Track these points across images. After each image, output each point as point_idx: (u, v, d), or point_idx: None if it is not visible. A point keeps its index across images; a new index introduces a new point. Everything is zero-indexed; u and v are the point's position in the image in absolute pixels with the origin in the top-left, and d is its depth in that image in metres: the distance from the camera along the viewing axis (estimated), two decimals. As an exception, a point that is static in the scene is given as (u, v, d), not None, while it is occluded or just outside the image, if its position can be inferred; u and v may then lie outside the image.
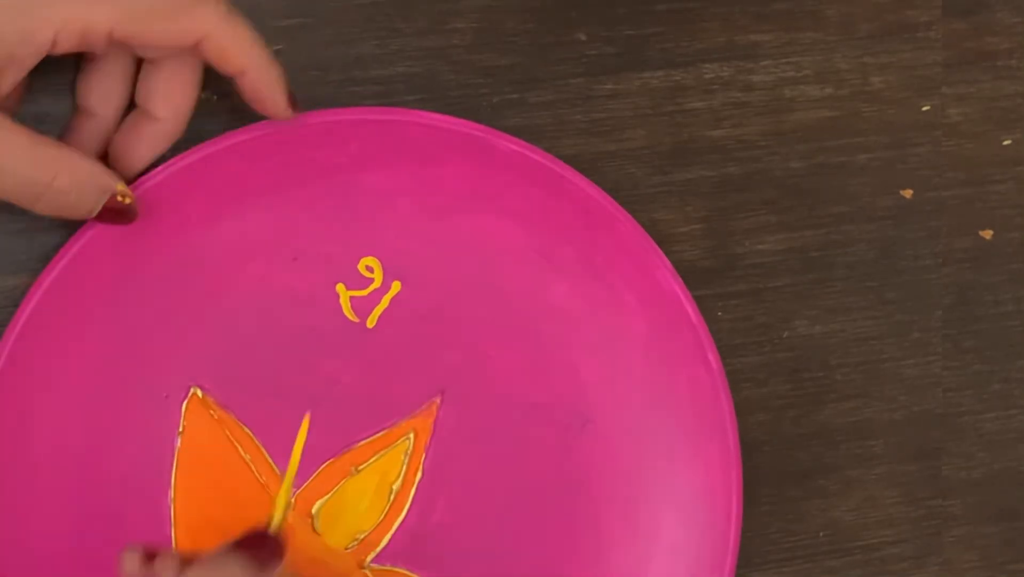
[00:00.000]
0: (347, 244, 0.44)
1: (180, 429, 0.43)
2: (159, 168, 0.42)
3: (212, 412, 0.43)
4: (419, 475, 0.44)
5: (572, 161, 0.46)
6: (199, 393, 0.43)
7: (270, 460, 0.43)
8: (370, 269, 0.44)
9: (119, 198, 0.40)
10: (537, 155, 0.44)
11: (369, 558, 0.44)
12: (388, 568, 0.44)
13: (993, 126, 0.49)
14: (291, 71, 0.44)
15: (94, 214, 0.40)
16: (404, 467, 0.44)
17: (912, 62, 0.48)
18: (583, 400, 0.45)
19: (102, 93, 0.41)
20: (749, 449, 0.48)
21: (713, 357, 0.44)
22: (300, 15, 0.45)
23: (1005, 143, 0.49)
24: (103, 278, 0.42)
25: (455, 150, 0.43)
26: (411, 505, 0.44)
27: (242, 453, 0.43)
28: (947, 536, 0.49)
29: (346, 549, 0.44)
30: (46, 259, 0.42)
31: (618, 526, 0.45)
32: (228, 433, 0.43)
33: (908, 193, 0.49)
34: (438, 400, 0.44)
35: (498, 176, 0.44)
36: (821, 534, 0.48)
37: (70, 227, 0.42)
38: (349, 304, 0.44)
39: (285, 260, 0.44)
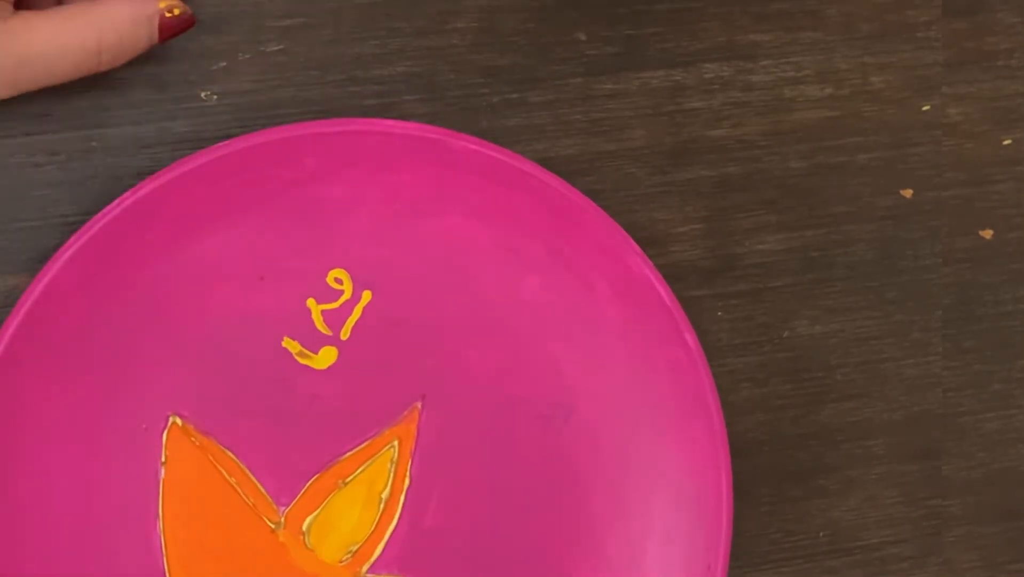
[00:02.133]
0: (314, 258, 0.44)
1: (163, 460, 0.43)
2: (118, 200, 0.41)
3: (193, 439, 0.43)
4: (407, 482, 0.44)
5: (572, 161, 0.46)
6: (179, 422, 0.43)
7: (257, 482, 0.43)
8: (339, 281, 0.44)
9: (167, 15, 0.40)
10: (497, 152, 0.43)
11: (364, 569, 0.44)
12: (384, 576, 0.44)
13: (993, 126, 0.49)
14: (291, 71, 0.44)
15: (156, 41, 0.40)
16: (391, 475, 0.44)
17: (912, 62, 0.48)
18: (565, 391, 0.45)
19: None
20: (749, 449, 0.48)
21: (690, 337, 0.44)
22: (300, 15, 0.45)
23: (1005, 143, 0.49)
24: (71, 316, 0.42)
25: (413, 155, 0.43)
26: (402, 512, 0.44)
27: (227, 477, 0.43)
28: (947, 536, 0.49)
29: (340, 562, 0.44)
30: (43, 259, 0.42)
31: (610, 511, 0.45)
32: (212, 459, 0.43)
33: (908, 193, 0.49)
34: (419, 405, 0.44)
35: (459, 177, 0.44)
36: (821, 534, 0.48)
37: (69, 228, 0.42)
38: (321, 318, 0.44)
39: (252, 280, 0.43)
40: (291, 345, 0.44)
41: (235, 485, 0.43)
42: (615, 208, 0.46)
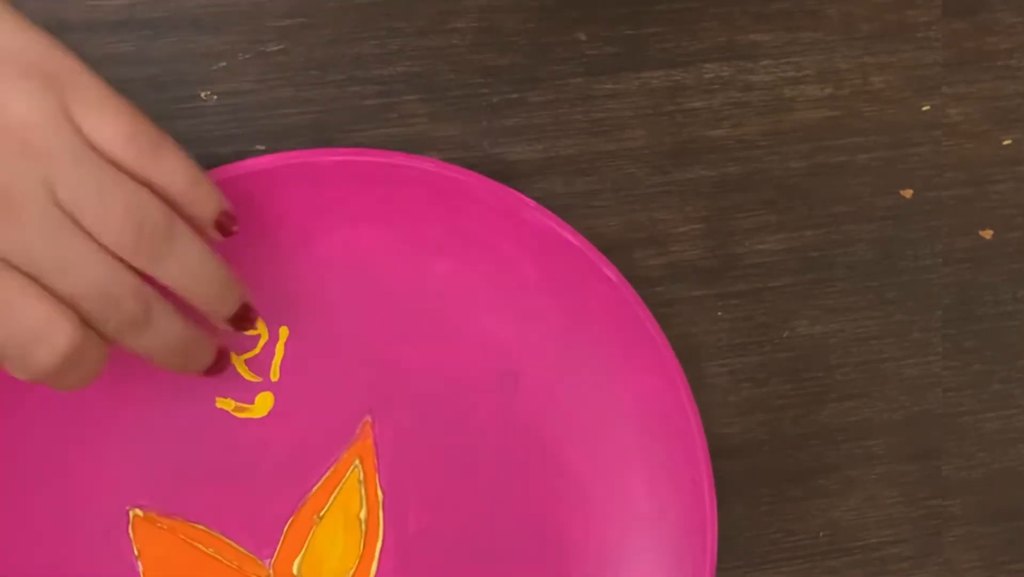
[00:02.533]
0: None
1: (136, 553, 0.43)
2: None
3: (160, 525, 0.43)
4: (380, 496, 0.44)
5: (572, 161, 0.46)
6: (139, 513, 0.43)
7: (234, 545, 0.43)
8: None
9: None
10: (364, 155, 0.43)
11: None
12: None
13: (993, 126, 0.49)
14: (291, 71, 0.44)
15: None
16: (363, 495, 0.44)
17: (912, 62, 0.48)
18: (506, 359, 0.45)
19: None
20: (749, 449, 0.48)
21: (610, 271, 0.44)
22: (300, 15, 0.45)
23: (1005, 143, 0.49)
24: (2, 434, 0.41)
25: (281, 185, 0.43)
26: (384, 526, 0.44)
27: (205, 550, 0.43)
28: (947, 536, 0.49)
29: None
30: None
31: (584, 458, 0.45)
32: (184, 537, 0.43)
33: (908, 193, 0.49)
34: (369, 419, 0.44)
35: (336, 190, 0.43)
36: (821, 534, 0.48)
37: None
38: (246, 368, 0.44)
39: None
40: (225, 403, 0.44)
41: (214, 555, 0.43)
42: (615, 208, 0.46)
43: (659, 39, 0.47)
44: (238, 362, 0.44)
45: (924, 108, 0.49)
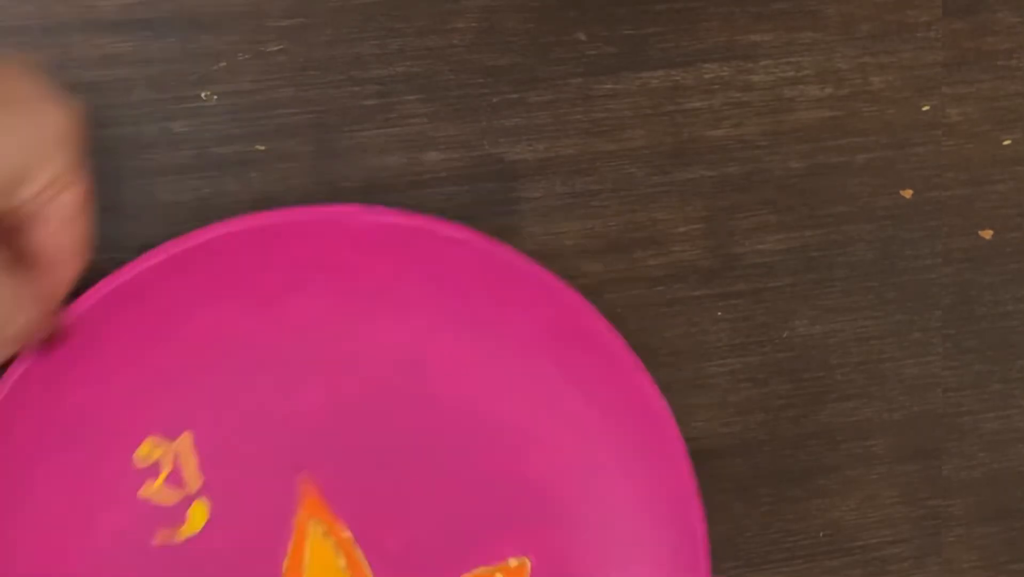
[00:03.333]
0: (112, 454, 0.42)
1: None
2: None
3: None
4: (350, 536, 0.44)
5: (572, 161, 0.46)
6: None
7: None
8: (152, 452, 0.43)
9: (54, 325, 0.38)
10: (184, 241, 0.41)
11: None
12: None
13: (993, 126, 0.49)
14: (291, 71, 0.44)
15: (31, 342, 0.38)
16: (333, 545, 0.44)
17: (912, 62, 0.48)
18: (404, 354, 0.44)
19: None
20: (749, 449, 0.48)
21: (454, 231, 0.43)
22: (300, 15, 0.45)
23: (1005, 143, 0.49)
24: None
25: (120, 296, 0.41)
26: (370, 561, 0.44)
27: None
28: (947, 536, 0.49)
29: None
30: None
31: (509, 402, 0.45)
32: None
33: (908, 193, 0.49)
34: (305, 475, 0.44)
35: (157, 284, 0.41)
36: (821, 534, 0.48)
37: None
38: (165, 490, 0.43)
39: (83, 520, 0.42)
40: (165, 536, 0.43)
41: None
42: (615, 208, 0.46)
43: (659, 39, 0.47)
44: (153, 491, 0.43)
45: (924, 108, 0.49)
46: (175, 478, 0.43)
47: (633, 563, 0.45)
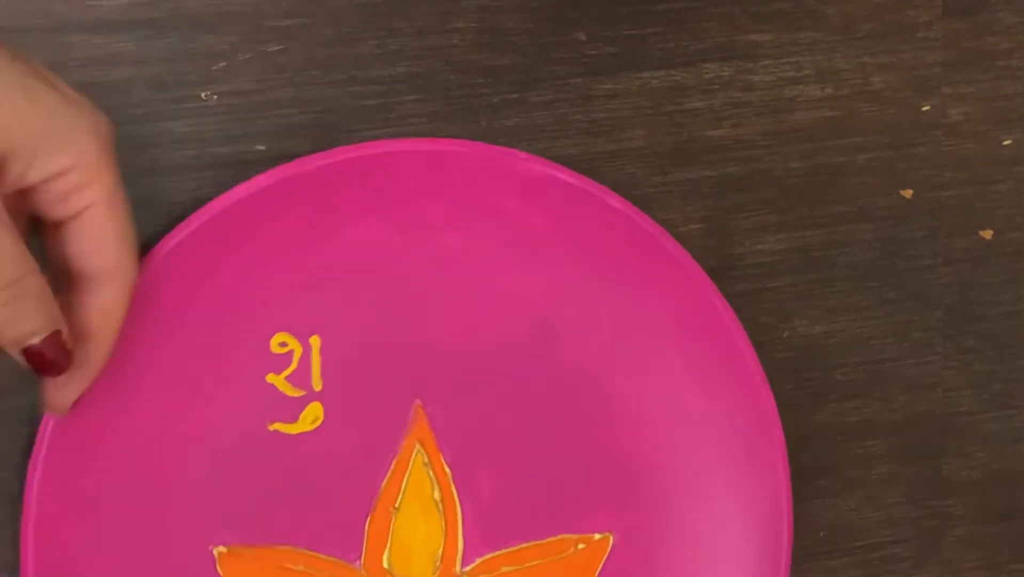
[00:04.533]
0: (248, 341, 0.44)
1: None
2: None
3: (244, 556, 0.43)
4: (449, 473, 0.44)
5: (572, 162, 0.46)
6: (223, 549, 0.43)
7: (321, 556, 0.43)
8: (284, 344, 0.44)
9: (63, 339, 0.36)
10: (351, 152, 0.43)
11: (459, 567, 0.44)
12: (481, 561, 0.44)
13: (993, 126, 0.49)
14: (291, 71, 0.44)
15: (36, 339, 0.36)
16: (432, 476, 0.44)
17: (912, 62, 0.48)
18: (535, 308, 0.45)
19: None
20: (749, 449, 0.48)
21: (614, 200, 0.44)
22: (300, 15, 0.45)
23: (1005, 143, 0.49)
24: (55, 505, 0.41)
25: (279, 198, 0.43)
26: (460, 501, 0.44)
27: (294, 568, 0.43)
28: (947, 536, 0.49)
29: (435, 573, 0.44)
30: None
31: (636, 384, 0.45)
32: (271, 562, 0.43)
33: (908, 193, 0.49)
34: (419, 403, 0.44)
35: (330, 193, 0.43)
36: (821, 534, 0.48)
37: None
38: (288, 384, 0.44)
39: (209, 390, 0.43)
40: (279, 425, 0.44)
41: (305, 571, 0.43)
42: (615, 208, 0.46)
43: (659, 39, 0.47)
44: (279, 381, 0.44)
45: (924, 108, 0.49)
46: (299, 376, 0.44)
47: (716, 561, 0.45)
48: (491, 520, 0.44)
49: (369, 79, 0.45)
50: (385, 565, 0.44)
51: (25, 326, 0.36)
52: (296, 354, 0.44)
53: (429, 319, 0.45)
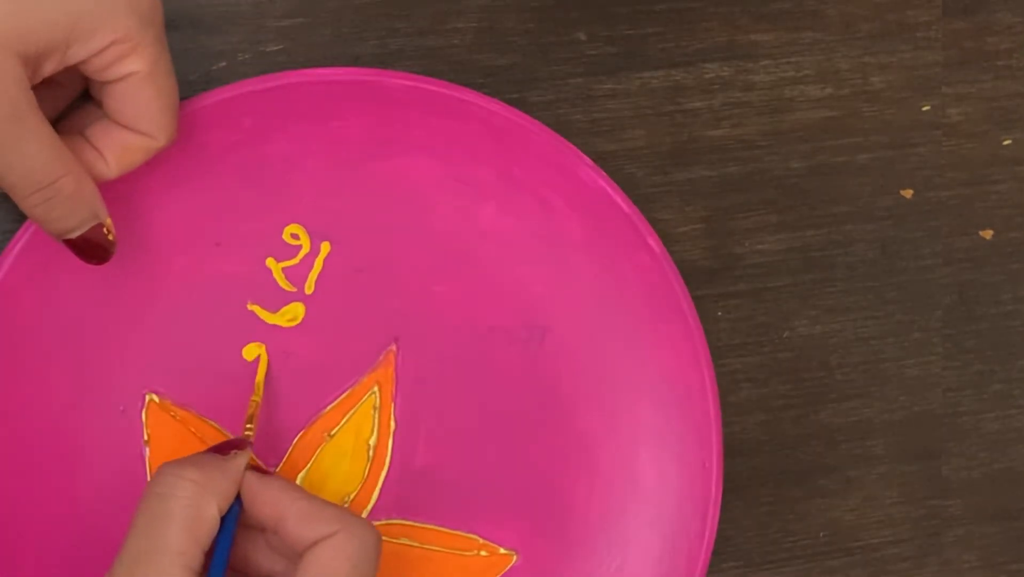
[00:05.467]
0: (267, 218, 0.44)
1: (145, 438, 0.43)
2: None
3: (172, 414, 0.43)
4: (392, 425, 0.44)
5: (572, 161, 0.46)
6: (155, 398, 0.43)
7: None
8: (296, 236, 0.44)
9: (104, 230, 0.39)
10: (432, 85, 0.43)
11: (363, 517, 0.44)
12: (385, 522, 0.44)
13: (993, 126, 0.49)
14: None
15: (74, 234, 0.38)
16: (376, 421, 0.44)
17: (912, 62, 0.48)
18: (536, 312, 0.45)
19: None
20: (749, 449, 0.48)
21: (654, 242, 0.44)
22: (300, 15, 0.45)
23: (1005, 143, 0.49)
24: (26, 309, 0.42)
25: (349, 100, 0.43)
26: (391, 457, 0.44)
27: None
28: (947, 536, 0.49)
29: None
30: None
31: (598, 425, 0.45)
32: (193, 430, 0.43)
33: (908, 193, 0.49)
34: (394, 348, 0.44)
35: (398, 115, 0.43)
36: (821, 534, 0.48)
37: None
38: (283, 275, 0.44)
39: (209, 247, 0.43)
40: (257, 308, 0.44)
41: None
42: (615, 208, 0.46)
43: (659, 39, 0.47)
44: (276, 269, 0.44)
45: (924, 108, 0.49)
46: (296, 273, 0.44)
47: None
48: (412, 489, 0.44)
49: (369, 79, 0.45)
50: (298, 484, 0.43)
51: (61, 224, 0.38)
52: (303, 251, 0.44)
53: (436, 273, 0.44)
